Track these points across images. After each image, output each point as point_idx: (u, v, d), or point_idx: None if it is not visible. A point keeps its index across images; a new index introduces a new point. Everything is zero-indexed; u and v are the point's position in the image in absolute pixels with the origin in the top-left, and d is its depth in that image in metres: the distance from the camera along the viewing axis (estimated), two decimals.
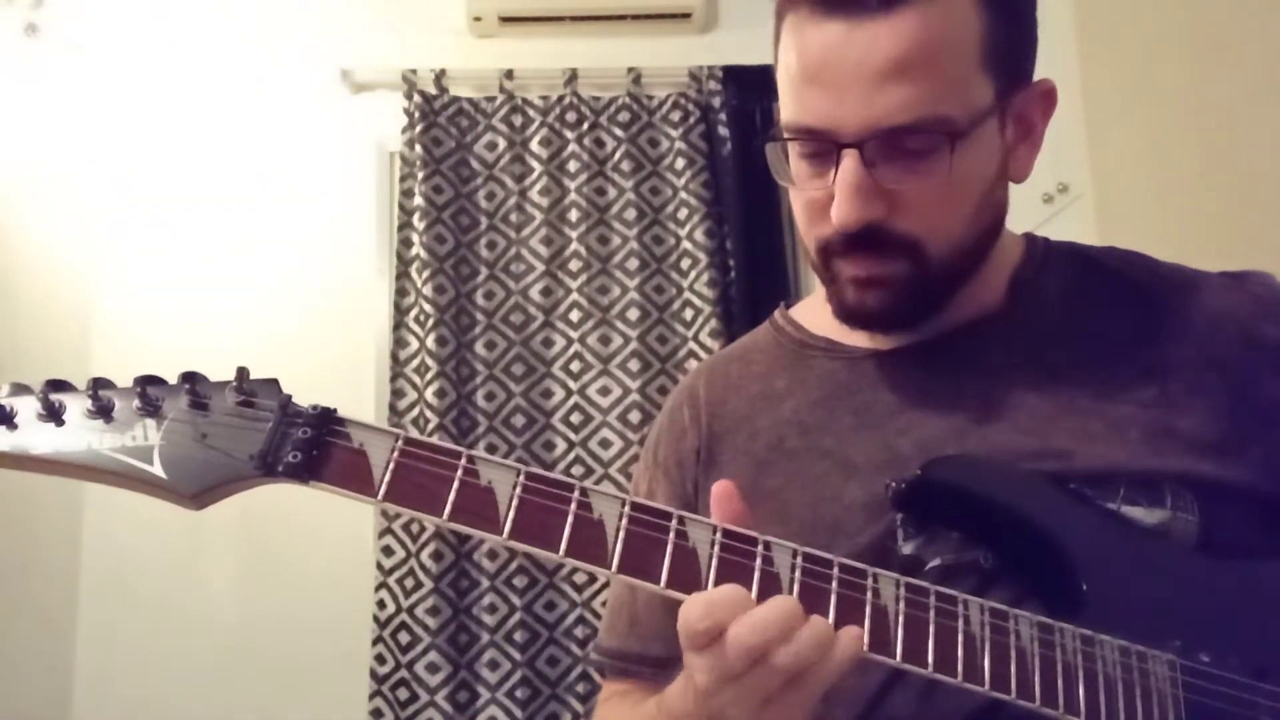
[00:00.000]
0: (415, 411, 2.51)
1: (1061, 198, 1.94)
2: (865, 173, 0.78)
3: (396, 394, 2.53)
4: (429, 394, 2.49)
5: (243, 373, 0.68)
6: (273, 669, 2.45)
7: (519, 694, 2.38)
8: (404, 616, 2.40)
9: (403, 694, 2.38)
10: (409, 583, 2.42)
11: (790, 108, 0.82)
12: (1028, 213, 1.94)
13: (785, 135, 0.83)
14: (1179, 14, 1.69)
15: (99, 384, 0.66)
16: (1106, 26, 1.87)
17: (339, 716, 2.45)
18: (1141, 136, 1.78)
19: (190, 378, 0.68)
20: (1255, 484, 0.81)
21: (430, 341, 2.52)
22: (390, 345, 2.57)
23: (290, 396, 0.69)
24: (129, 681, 2.42)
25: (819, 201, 0.83)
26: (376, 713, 2.37)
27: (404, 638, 2.40)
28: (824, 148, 0.80)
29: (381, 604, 2.42)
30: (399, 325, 2.57)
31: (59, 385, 0.66)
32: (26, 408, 0.65)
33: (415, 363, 2.54)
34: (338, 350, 2.61)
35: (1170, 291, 0.90)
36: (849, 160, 0.78)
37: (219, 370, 2.39)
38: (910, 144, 0.78)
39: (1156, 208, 1.74)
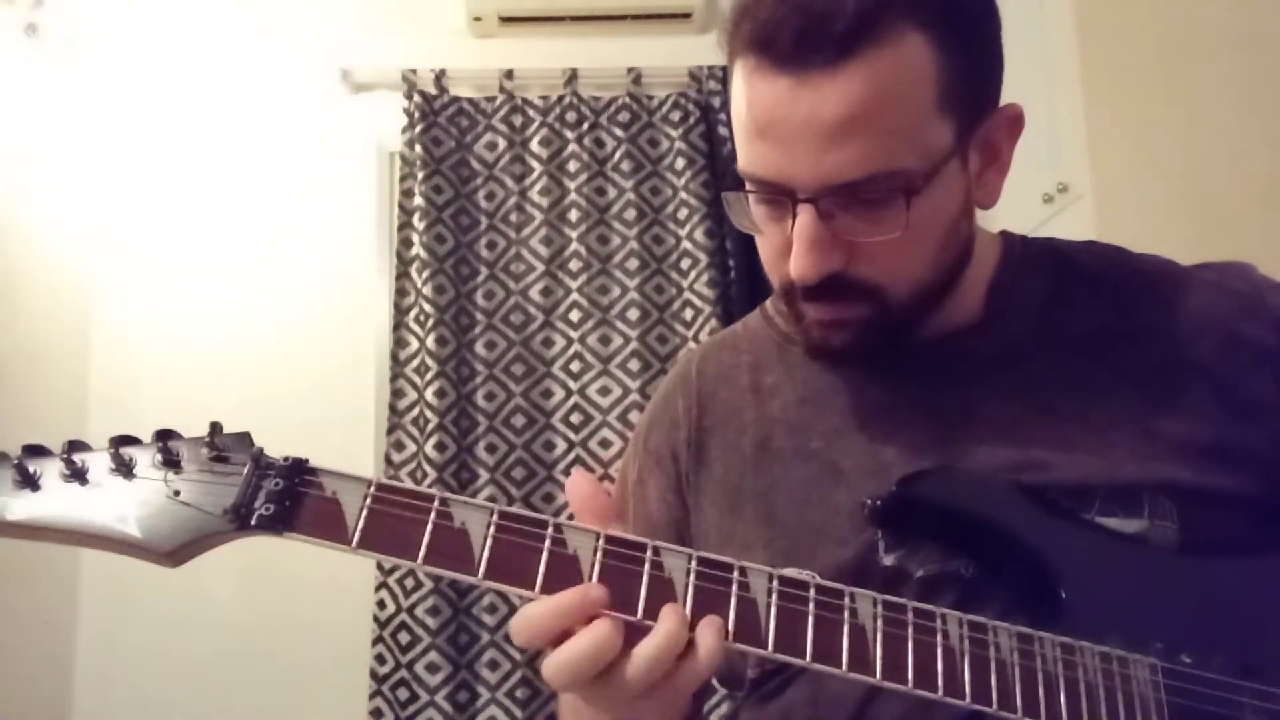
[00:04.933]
0: (415, 412, 2.51)
1: (1061, 198, 1.93)
2: (821, 226, 0.77)
3: (396, 394, 2.53)
4: (429, 394, 2.49)
5: (215, 428, 0.69)
6: (273, 669, 2.45)
7: (519, 694, 2.38)
8: (404, 616, 2.41)
9: (403, 694, 2.38)
10: (409, 583, 2.42)
11: (744, 157, 0.81)
12: (1028, 213, 1.93)
13: (742, 185, 0.81)
14: (1178, 15, 1.68)
15: (73, 446, 0.67)
16: (1106, 27, 1.86)
17: (339, 716, 2.45)
18: (1141, 136, 1.77)
19: (163, 435, 0.68)
20: (1237, 487, 0.80)
21: (430, 341, 2.52)
22: (390, 345, 2.57)
23: (262, 449, 0.69)
24: (129, 681, 2.43)
25: (779, 245, 0.82)
26: (376, 713, 2.37)
27: (404, 638, 2.40)
28: (780, 197, 0.79)
29: (381, 604, 2.42)
30: (399, 325, 2.57)
31: (35, 450, 0.67)
32: (1, 475, 0.66)
33: (415, 363, 2.54)
34: (338, 350, 2.62)
35: (1150, 291, 0.89)
36: (804, 215, 0.77)
37: (217, 370, 2.36)
38: (866, 195, 0.76)
39: (1156, 208, 1.73)
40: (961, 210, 0.84)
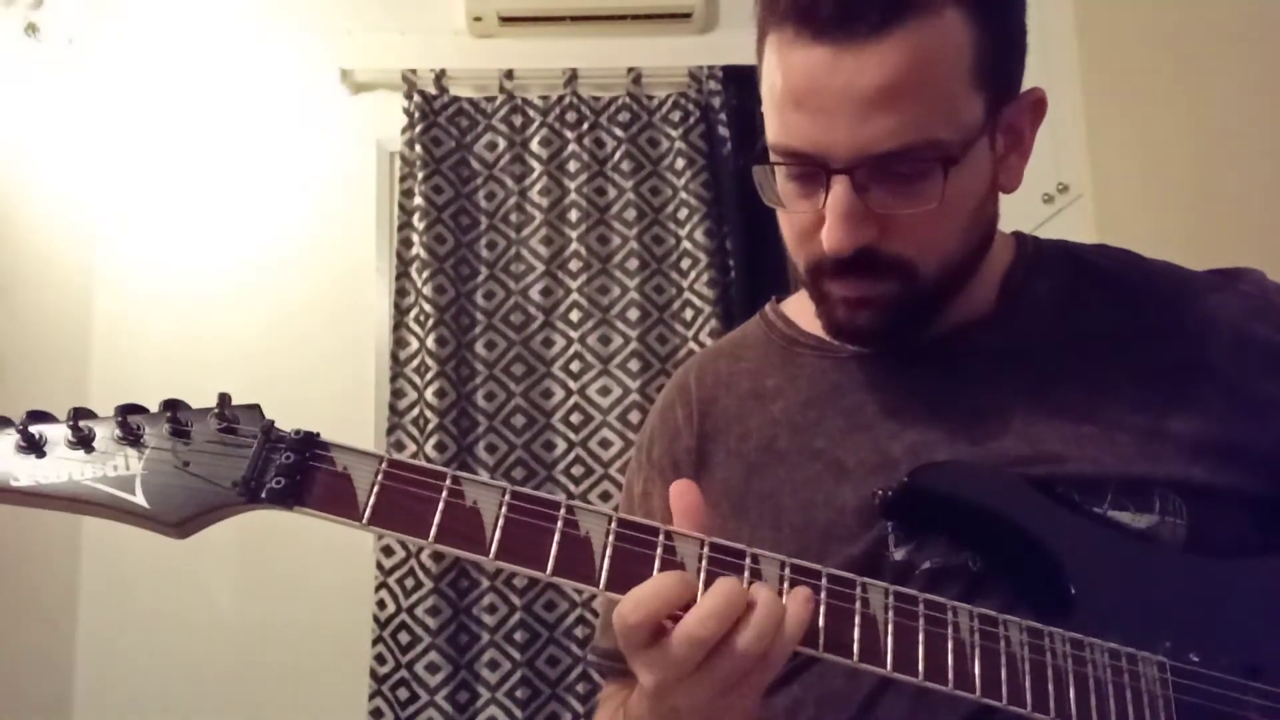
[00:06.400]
0: (415, 411, 2.51)
1: (1061, 198, 1.94)
2: (856, 198, 0.76)
3: (396, 394, 2.53)
4: (429, 394, 2.49)
5: (224, 399, 0.67)
6: (273, 669, 2.45)
7: (519, 694, 2.38)
8: (404, 616, 2.41)
9: (403, 694, 2.38)
10: (409, 583, 2.42)
11: (776, 130, 0.80)
12: (1028, 213, 1.94)
13: (772, 159, 0.81)
14: (1178, 15, 1.68)
15: (79, 414, 0.65)
16: (1106, 27, 1.87)
17: (339, 716, 2.45)
18: (1141, 136, 1.78)
19: (171, 405, 0.67)
20: (1246, 486, 0.81)
21: (430, 341, 2.53)
22: (390, 345, 2.57)
23: (273, 422, 0.67)
24: (129, 681, 2.43)
25: (808, 223, 0.81)
26: (376, 713, 2.37)
27: (404, 638, 2.40)
28: (812, 170, 0.78)
29: (381, 604, 2.42)
30: (399, 325, 2.57)
31: (39, 416, 0.65)
32: (6, 441, 0.64)
33: (415, 363, 2.54)
34: (338, 350, 2.62)
35: (1161, 293, 0.89)
36: (839, 186, 0.76)
37: (218, 369, 2.36)
38: (901, 168, 0.76)
39: (1156, 208, 1.74)
40: (988, 190, 0.84)
